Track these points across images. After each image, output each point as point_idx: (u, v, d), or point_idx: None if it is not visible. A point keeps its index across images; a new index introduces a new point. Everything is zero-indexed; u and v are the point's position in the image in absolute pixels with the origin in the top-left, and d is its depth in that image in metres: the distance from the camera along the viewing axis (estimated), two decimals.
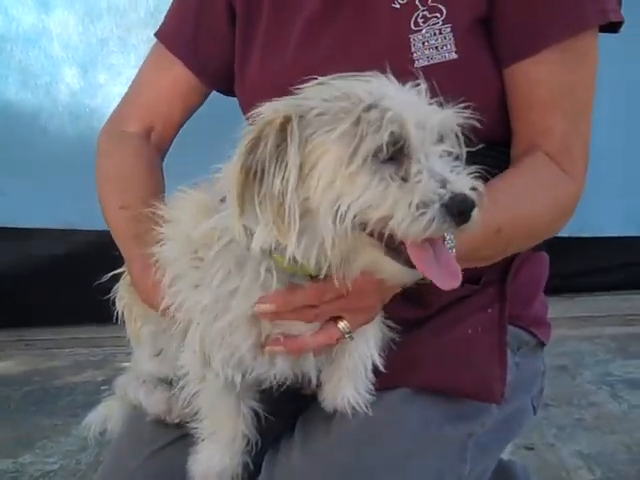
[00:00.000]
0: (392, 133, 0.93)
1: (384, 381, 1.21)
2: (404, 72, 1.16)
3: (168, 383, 1.33)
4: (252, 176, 0.95)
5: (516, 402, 1.37)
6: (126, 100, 1.54)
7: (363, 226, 0.94)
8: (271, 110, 0.97)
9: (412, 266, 0.96)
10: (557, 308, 3.52)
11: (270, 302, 1.05)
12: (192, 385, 1.20)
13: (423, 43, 1.23)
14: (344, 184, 0.93)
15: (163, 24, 1.52)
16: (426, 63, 1.23)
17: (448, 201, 0.91)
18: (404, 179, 0.93)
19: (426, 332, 1.28)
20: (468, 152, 1.25)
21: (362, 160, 0.93)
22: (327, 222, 0.93)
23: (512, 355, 1.36)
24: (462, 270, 1.17)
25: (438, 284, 0.96)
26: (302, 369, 1.16)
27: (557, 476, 2.32)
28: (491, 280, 1.33)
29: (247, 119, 1.00)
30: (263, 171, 0.94)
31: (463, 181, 0.95)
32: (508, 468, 1.60)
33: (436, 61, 1.22)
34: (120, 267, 1.35)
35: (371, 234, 0.95)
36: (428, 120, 0.98)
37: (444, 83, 1.20)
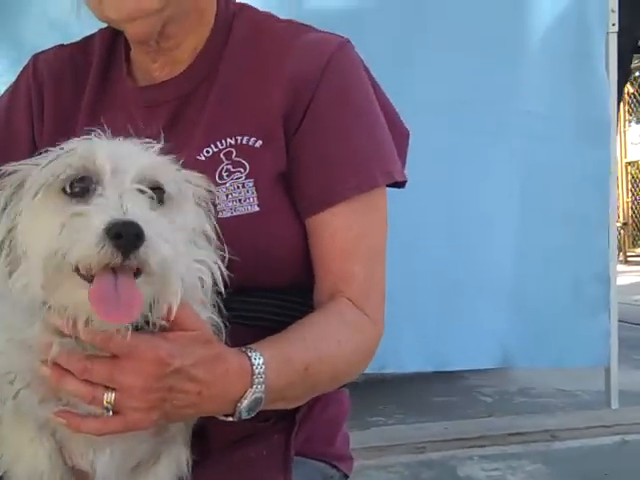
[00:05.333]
0: (74, 167, 0.99)
1: None
2: None
3: None
4: None
5: None
6: None
7: (55, 261, 0.96)
8: (10, 170, 1.05)
9: None
10: (355, 439, 3.67)
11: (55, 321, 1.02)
12: None
13: (227, 195, 1.29)
14: (33, 219, 0.99)
15: None
16: (229, 215, 1.28)
17: (108, 225, 0.93)
18: (79, 215, 0.96)
19: (210, 461, 1.28)
20: (275, 297, 1.34)
21: (45, 196, 0.98)
22: (28, 258, 0.98)
23: None
24: (269, 410, 1.22)
25: (102, 318, 0.96)
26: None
27: None
28: (281, 417, 1.36)
29: None
30: None
31: (136, 212, 0.96)
32: None
33: (239, 213, 1.28)
34: None
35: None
36: (127, 162, 1.02)
37: (246, 234, 1.27)
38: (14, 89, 1.51)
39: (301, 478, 1.34)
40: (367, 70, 1.44)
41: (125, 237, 0.93)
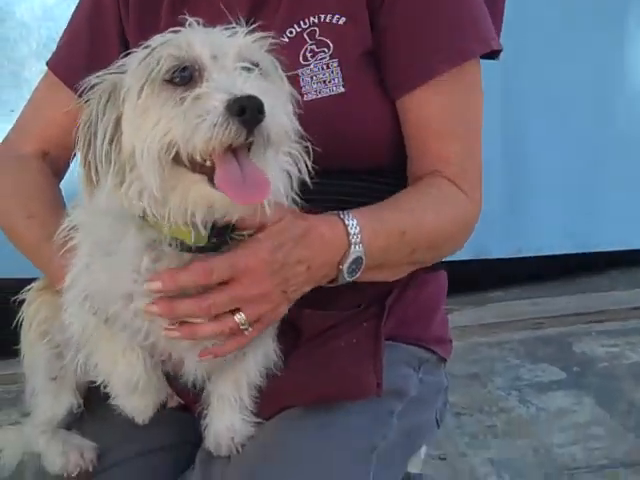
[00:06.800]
0: (175, 57, 0.95)
1: (269, 407, 1.24)
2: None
3: (65, 427, 1.33)
4: (87, 142, 0.99)
5: (420, 416, 1.41)
6: (17, 129, 1.51)
7: (171, 154, 0.94)
8: (96, 80, 1.01)
9: None
10: (468, 316, 3.64)
11: (157, 279, 1.03)
12: (83, 340, 1.17)
13: (311, 77, 1.26)
14: (141, 117, 0.95)
15: (55, 53, 1.50)
16: (314, 97, 1.25)
17: (228, 102, 0.90)
18: (197, 99, 0.93)
19: (302, 352, 1.29)
20: (359, 179, 1.31)
21: (151, 90, 0.95)
22: (141, 161, 0.95)
23: (415, 373, 1.40)
24: (369, 283, 1.22)
25: (239, 202, 0.94)
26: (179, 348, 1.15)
27: None
28: (371, 302, 1.35)
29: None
30: (91, 134, 0.99)
31: (250, 86, 0.94)
32: None
33: (324, 95, 1.25)
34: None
35: (188, 167, 0.95)
36: (224, 45, 0.99)
37: (332, 116, 1.24)
38: None
39: (394, 363, 1.33)
40: None
41: (249, 111, 0.90)
